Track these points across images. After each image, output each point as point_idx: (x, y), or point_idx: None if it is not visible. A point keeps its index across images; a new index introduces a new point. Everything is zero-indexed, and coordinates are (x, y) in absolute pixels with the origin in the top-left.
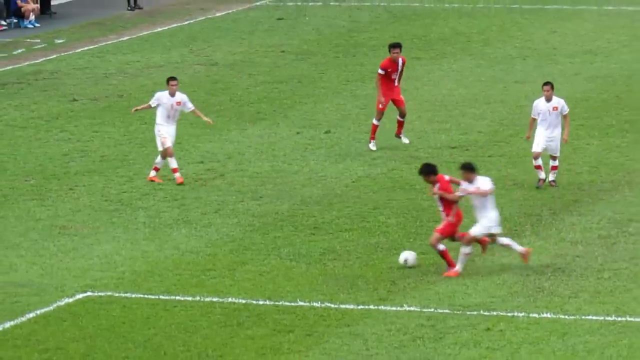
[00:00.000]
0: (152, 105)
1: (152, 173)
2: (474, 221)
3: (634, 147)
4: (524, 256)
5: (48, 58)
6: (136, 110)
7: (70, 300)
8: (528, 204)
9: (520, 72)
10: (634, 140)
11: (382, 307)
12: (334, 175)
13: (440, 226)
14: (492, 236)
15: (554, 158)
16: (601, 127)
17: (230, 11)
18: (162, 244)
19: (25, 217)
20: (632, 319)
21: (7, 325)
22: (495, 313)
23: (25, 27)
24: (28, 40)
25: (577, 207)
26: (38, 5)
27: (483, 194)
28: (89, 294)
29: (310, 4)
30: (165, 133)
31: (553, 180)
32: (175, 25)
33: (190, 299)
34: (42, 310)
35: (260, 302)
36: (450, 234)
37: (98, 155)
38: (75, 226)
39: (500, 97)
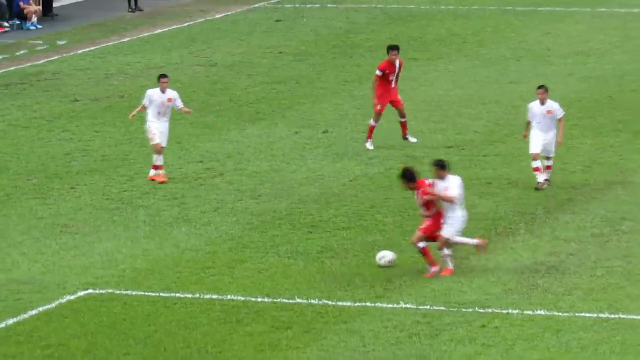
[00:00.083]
0: (146, 105)
1: (152, 172)
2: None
3: (627, 147)
4: (480, 248)
5: (50, 59)
6: (133, 116)
7: (72, 297)
8: (523, 203)
9: (515, 72)
10: (627, 140)
11: (379, 305)
12: (331, 174)
13: (423, 225)
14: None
15: (548, 158)
16: (595, 127)
17: (229, 13)
18: (163, 242)
19: (27, 216)
20: (625, 316)
21: (10, 322)
22: (490, 310)
23: (28, 29)
24: (31, 41)
25: (571, 206)
26: (40, 8)
27: (449, 201)
28: (90, 291)
29: (308, 6)
30: (155, 130)
31: (547, 180)
32: (175, 26)
33: (190, 296)
34: (44, 308)
35: (259, 300)
36: (432, 233)
37: (99, 155)
38: (77, 225)
39: (495, 98)
